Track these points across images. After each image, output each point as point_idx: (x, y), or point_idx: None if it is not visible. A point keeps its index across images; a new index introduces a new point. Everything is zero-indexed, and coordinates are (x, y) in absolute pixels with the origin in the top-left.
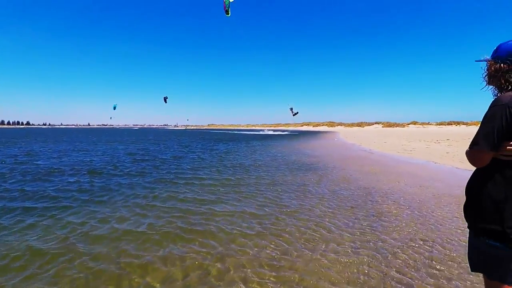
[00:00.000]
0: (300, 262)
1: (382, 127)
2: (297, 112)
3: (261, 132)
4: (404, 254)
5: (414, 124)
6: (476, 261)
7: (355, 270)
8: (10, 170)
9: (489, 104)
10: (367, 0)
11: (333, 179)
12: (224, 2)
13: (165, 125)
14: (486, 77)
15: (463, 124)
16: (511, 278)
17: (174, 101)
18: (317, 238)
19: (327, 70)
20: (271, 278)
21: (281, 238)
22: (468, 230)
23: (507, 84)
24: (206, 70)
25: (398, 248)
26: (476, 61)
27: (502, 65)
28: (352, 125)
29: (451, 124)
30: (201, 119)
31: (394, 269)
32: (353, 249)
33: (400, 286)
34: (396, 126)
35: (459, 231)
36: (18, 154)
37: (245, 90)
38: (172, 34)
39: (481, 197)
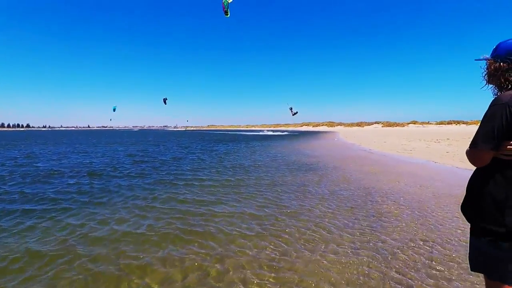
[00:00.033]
0: (300, 263)
1: (382, 126)
2: (297, 112)
3: (260, 133)
4: (404, 254)
5: (414, 123)
6: (477, 261)
7: (355, 271)
8: (10, 172)
9: (489, 103)
10: (366, 0)
11: (333, 179)
12: (223, 3)
13: (165, 126)
14: (485, 76)
15: (463, 123)
16: None
17: (174, 103)
18: (316, 239)
19: (327, 70)
20: (271, 279)
21: (280, 239)
22: (469, 230)
23: (507, 83)
24: (206, 71)
25: (398, 249)
26: (475, 60)
27: (501, 64)
28: (351, 125)
29: (451, 124)
30: (201, 120)
31: (394, 270)
32: (353, 250)
33: (400, 287)
34: (395, 126)
35: (459, 231)
36: (18, 156)
37: (245, 91)
38: (172, 35)
39: (482, 197)
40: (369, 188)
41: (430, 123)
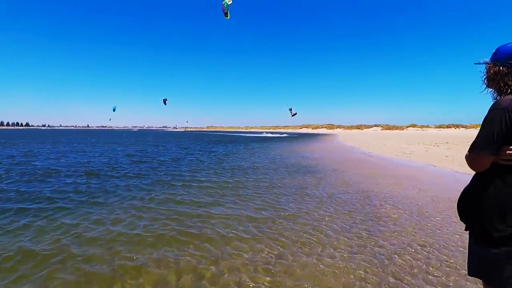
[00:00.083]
0: (296, 267)
1: (381, 129)
2: (296, 113)
3: (260, 135)
4: (401, 259)
5: (413, 126)
6: (475, 266)
7: (351, 275)
8: (6, 170)
9: (489, 108)
10: (365, 3)
11: (332, 182)
12: (223, 4)
13: (164, 126)
14: (485, 80)
15: (462, 127)
16: (511, 286)
17: (174, 103)
18: (313, 242)
19: (326, 72)
20: (266, 283)
21: (277, 242)
22: (467, 235)
23: (506, 87)
24: (206, 72)
25: (395, 253)
26: (475, 63)
27: (501, 68)
28: (351, 127)
29: (450, 127)
30: (201, 121)
31: (391, 275)
32: (350, 254)
33: None
34: (395, 129)
35: (457, 236)
36: (16, 154)
37: (245, 92)
38: (172, 37)
39: (482, 201)
40: (368, 191)
41: (429, 127)
